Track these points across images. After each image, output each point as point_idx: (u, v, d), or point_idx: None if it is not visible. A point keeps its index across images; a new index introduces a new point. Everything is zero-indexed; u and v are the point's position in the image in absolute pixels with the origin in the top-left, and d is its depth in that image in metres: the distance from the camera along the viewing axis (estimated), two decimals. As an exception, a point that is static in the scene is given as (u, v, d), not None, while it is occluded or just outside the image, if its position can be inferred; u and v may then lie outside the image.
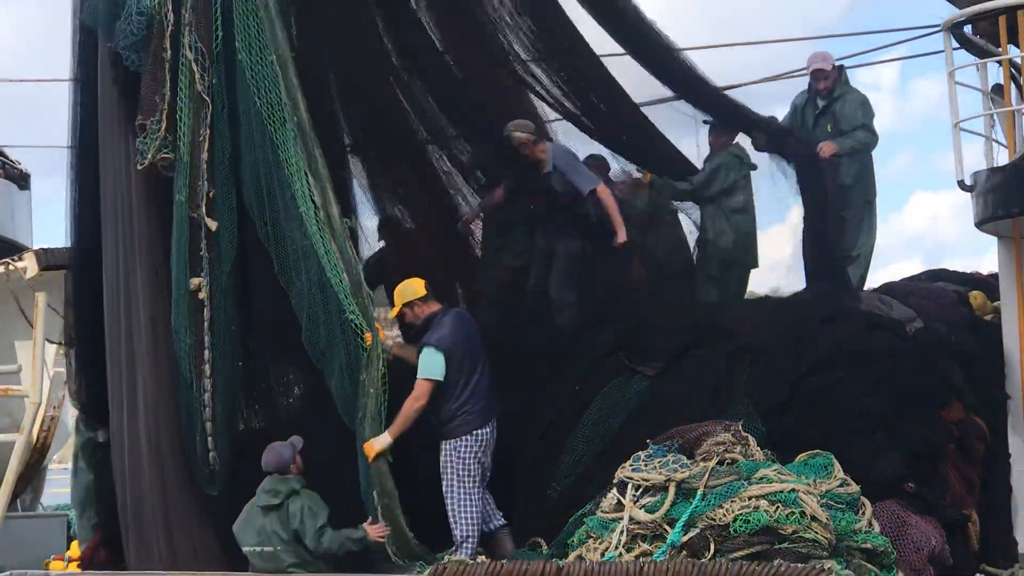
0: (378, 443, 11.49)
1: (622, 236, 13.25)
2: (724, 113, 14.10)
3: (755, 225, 14.24)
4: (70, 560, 14.08)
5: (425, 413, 11.79)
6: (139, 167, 12.24)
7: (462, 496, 11.81)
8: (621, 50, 14.04)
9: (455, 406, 11.80)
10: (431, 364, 11.74)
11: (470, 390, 11.85)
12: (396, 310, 12.22)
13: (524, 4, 13.78)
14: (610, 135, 14.42)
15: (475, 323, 12.24)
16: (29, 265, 16.12)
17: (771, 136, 13.95)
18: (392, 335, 12.39)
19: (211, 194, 12.18)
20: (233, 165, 12.27)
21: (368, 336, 11.53)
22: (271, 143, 11.93)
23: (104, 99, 12.76)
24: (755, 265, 14.35)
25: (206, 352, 12.12)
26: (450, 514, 11.81)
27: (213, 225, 12.15)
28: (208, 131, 12.15)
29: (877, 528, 10.47)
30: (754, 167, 14.14)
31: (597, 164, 14.23)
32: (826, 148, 13.69)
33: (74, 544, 14.68)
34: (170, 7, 12.09)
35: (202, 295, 12.18)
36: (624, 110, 14.24)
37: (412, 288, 12.15)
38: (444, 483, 11.82)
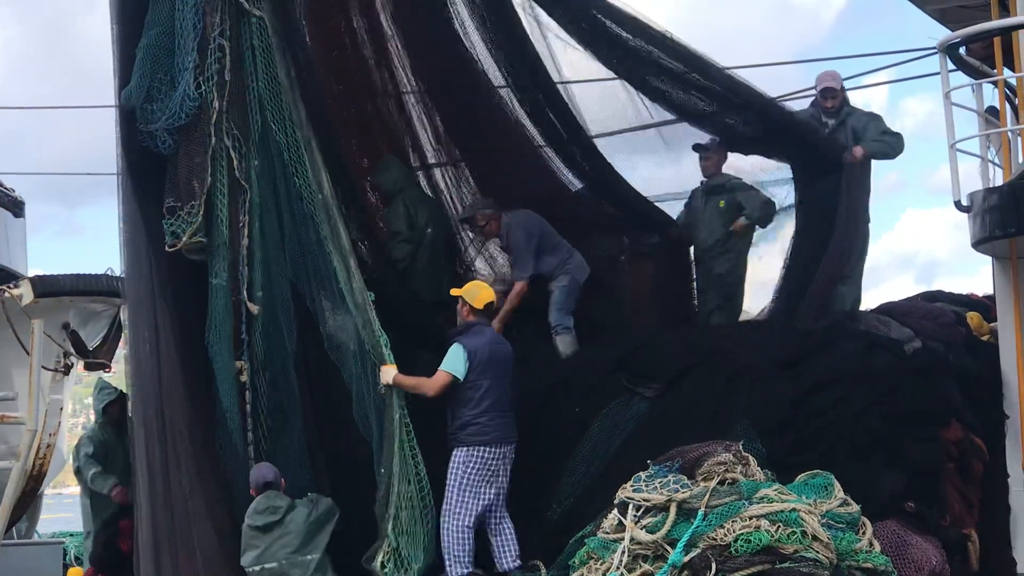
0: (386, 373, 11.58)
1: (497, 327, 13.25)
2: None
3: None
4: (66, 592, 14.10)
5: (443, 417, 11.92)
6: (168, 248, 12.25)
7: (456, 509, 11.66)
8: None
9: (473, 412, 11.74)
10: (453, 358, 11.79)
11: (489, 403, 11.76)
12: (459, 291, 12.32)
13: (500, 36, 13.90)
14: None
15: (510, 352, 12.18)
16: (25, 292, 16.12)
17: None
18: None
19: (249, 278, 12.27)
20: (281, 246, 12.41)
21: (383, 370, 11.66)
22: (312, 221, 12.11)
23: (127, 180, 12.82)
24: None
25: (249, 434, 12.13)
26: (442, 527, 11.67)
27: (255, 309, 12.23)
28: (247, 216, 12.25)
29: (878, 547, 10.53)
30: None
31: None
32: (856, 150, 13.53)
33: (71, 572, 14.70)
34: (215, 93, 12.19)
35: (244, 378, 12.18)
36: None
37: (475, 293, 12.26)
38: (445, 493, 11.73)
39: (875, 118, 13.92)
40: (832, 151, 13.79)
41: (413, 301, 13.52)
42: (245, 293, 12.20)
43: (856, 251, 13.62)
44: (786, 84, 15.48)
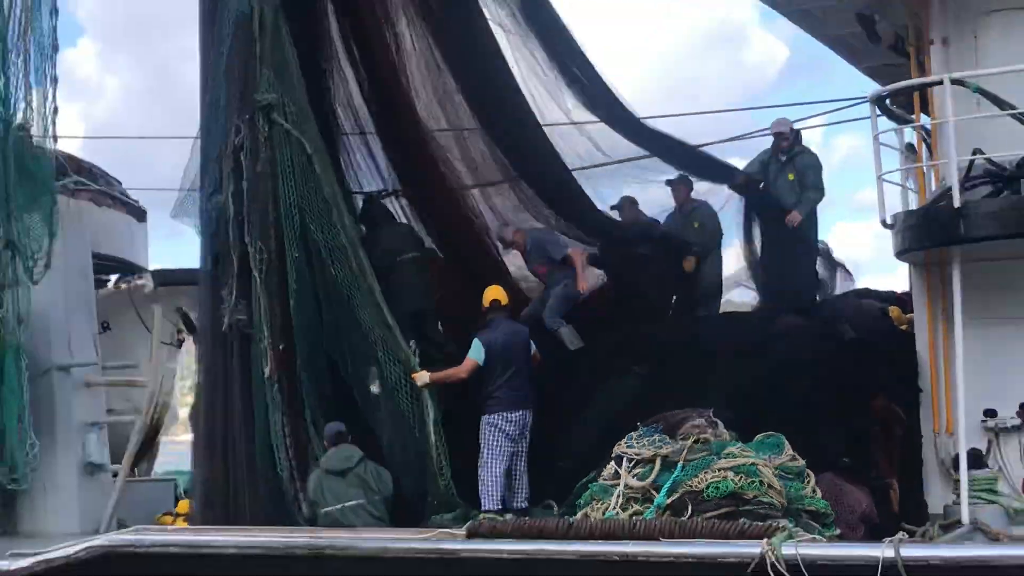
0: (420, 378, 11.82)
1: (582, 286, 13.39)
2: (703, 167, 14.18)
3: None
4: (177, 515, 14.09)
5: (470, 391, 12.15)
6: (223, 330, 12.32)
7: (486, 460, 11.93)
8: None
9: (490, 389, 11.98)
10: (474, 349, 12.03)
11: (503, 380, 11.96)
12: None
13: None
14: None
15: (522, 335, 12.27)
16: (147, 282, 16.24)
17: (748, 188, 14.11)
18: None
19: (281, 347, 12.01)
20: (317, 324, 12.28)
21: (416, 377, 11.84)
22: (350, 304, 12.10)
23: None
24: None
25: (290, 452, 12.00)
26: (478, 474, 11.93)
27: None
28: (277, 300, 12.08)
29: (819, 494, 10.47)
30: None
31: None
32: (794, 217, 13.65)
33: (181, 503, 14.70)
34: (231, 203, 12.14)
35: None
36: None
37: (485, 295, 12.43)
38: (481, 451, 11.99)
39: (815, 167, 13.95)
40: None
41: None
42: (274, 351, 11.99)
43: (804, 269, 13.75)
44: (740, 125, 15.55)
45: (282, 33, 12.25)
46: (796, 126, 14.37)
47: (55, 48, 11.23)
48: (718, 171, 14.60)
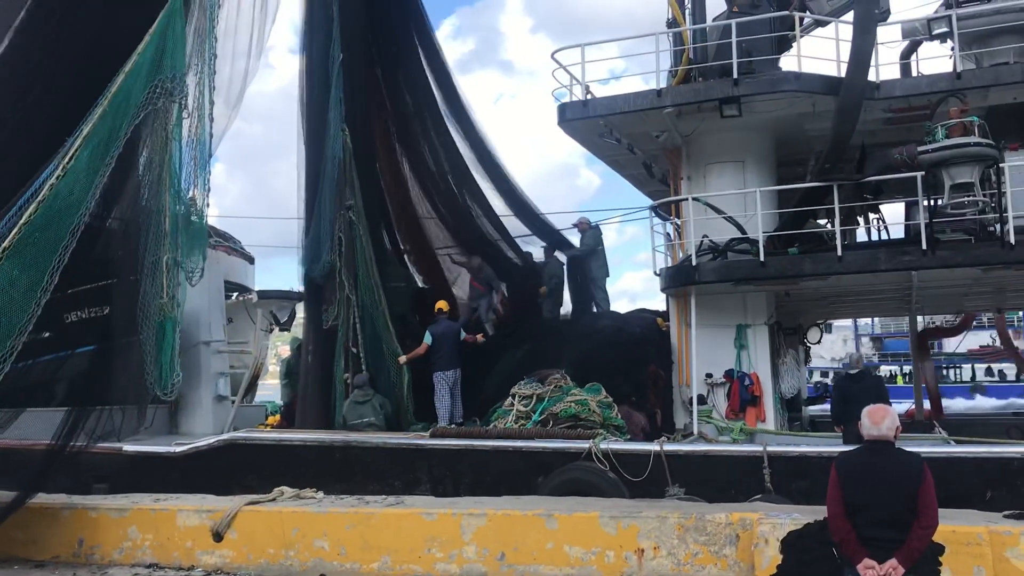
0: (400, 359, 11.61)
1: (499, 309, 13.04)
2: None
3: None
4: (267, 425, 13.72)
5: (424, 360, 11.69)
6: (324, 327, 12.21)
7: (439, 397, 11.47)
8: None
9: (435, 358, 11.54)
10: (426, 337, 11.61)
11: (443, 352, 11.52)
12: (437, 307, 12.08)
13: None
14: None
15: (455, 328, 11.89)
16: (253, 297, 15.82)
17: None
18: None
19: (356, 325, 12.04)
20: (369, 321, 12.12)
21: (400, 359, 11.72)
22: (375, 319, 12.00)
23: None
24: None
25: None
26: (436, 405, 11.54)
27: (355, 350, 11.99)
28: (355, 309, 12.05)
29: (620, 416, 10.60)
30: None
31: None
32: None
33: (270, 418, 14.33)
34: (340, 260, 11.96)
35: (348, 379, 11.92)
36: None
37: (436, 305, 12.05)
38: (435, 391, 11.62)
39: (591, 236, 13.53)
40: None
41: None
42: (350, 342, 12.03)
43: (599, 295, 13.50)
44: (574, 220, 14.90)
45: (353, 166, 12.13)
46: (604, 221, 14.22)
47: (210, 157, 10.69)
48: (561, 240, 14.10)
